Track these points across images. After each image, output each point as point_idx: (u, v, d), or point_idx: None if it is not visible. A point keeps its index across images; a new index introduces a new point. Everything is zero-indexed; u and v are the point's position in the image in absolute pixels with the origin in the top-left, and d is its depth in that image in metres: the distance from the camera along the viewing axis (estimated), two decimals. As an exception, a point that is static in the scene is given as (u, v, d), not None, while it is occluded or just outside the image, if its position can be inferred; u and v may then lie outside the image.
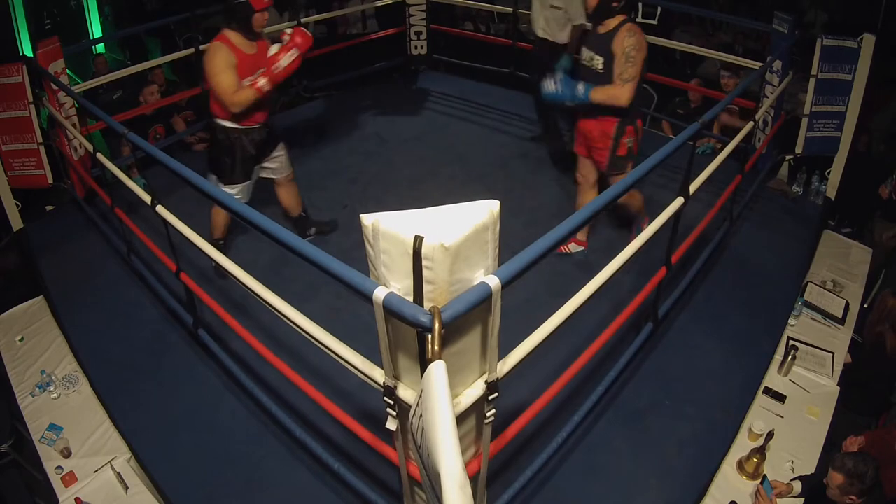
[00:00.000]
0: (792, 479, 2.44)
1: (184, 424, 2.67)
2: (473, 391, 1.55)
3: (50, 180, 3.89)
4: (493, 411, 1.61)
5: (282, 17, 5.92)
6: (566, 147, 4.50)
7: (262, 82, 2.93)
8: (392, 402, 1.57)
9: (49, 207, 4.20)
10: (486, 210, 1.40)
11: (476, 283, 1.38)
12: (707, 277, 3.38)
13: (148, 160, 2.68)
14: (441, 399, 1.09)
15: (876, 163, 4.66)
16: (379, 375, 1.58)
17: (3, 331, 3.25)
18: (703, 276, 3.30)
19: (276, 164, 3.36)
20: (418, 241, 1.28)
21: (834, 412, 2.78)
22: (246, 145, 3.12)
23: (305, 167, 3.55)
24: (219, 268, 2.86)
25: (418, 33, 5.72)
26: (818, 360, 2.99)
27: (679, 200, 2.54)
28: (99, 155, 3.22)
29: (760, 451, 2.46)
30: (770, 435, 2.53)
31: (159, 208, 2.56)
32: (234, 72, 2.91)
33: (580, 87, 2.95)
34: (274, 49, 3.00)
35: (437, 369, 1.13)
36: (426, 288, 1.34)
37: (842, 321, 3.25)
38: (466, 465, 1.49)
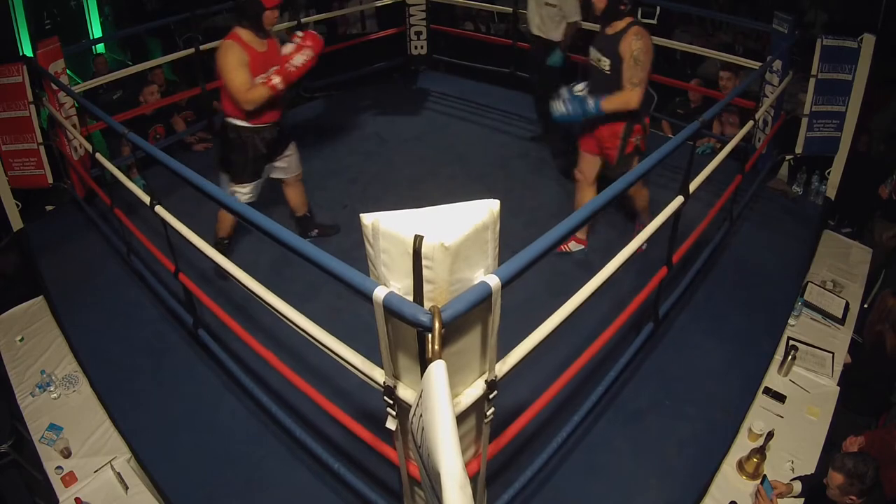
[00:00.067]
0: (792, 479, 2.44)
1: (184, 424, 2.67)
2: (473, 391, 1.55)
3: (50, 180, 3.89)
4: (493, 411, 1.61)
5: (281, 17, 5.91)
6: (569, 143, 4.52)
7: (277, 80, 2.94)
8: (392, 402, 1.57)
9: (49, 207, 4.19)
10: (486, 210, 1.41)
11: (476, 282, 1.39)
12: (707, 277, 3.38)
13: (148, 160, 2.68)
14: (441, 399, 1.09)
15: (876, 163, 4.66)
16: (379, 375, 1.58)
17: (3, 331, 3.25)
18: (703, 276, 3.30)
19: (287, 164, 3.36)
20: (418, 240, 1.28)
21: (834, 412, 2.78)
22: (258, 144, 3.12)
23: (305, 167, 3.55)
24: (219, 268, 2.88)
25: (418, 33, 5.73)
26: (818, 360, 2.99)
27: (679, 199, 2.54)
28: (98, 155, 3.22)
29: (760, 451, 2.46)
30: (770, 435, 2.53)
31: (158, 209, 2.56)
32: (247, 69, 2.92)
33: (590, 102, 2.98)
34: (288, 49, 3.02)
35: (438, 369, 1.13)
36: (426, 287, 1.34)
37: (842, 321, 3.25)
38: (466, 464, 1.49)
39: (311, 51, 3.01)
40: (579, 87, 3.22)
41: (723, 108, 3.18)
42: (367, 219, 1.40)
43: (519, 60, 5.05)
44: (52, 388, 2.86)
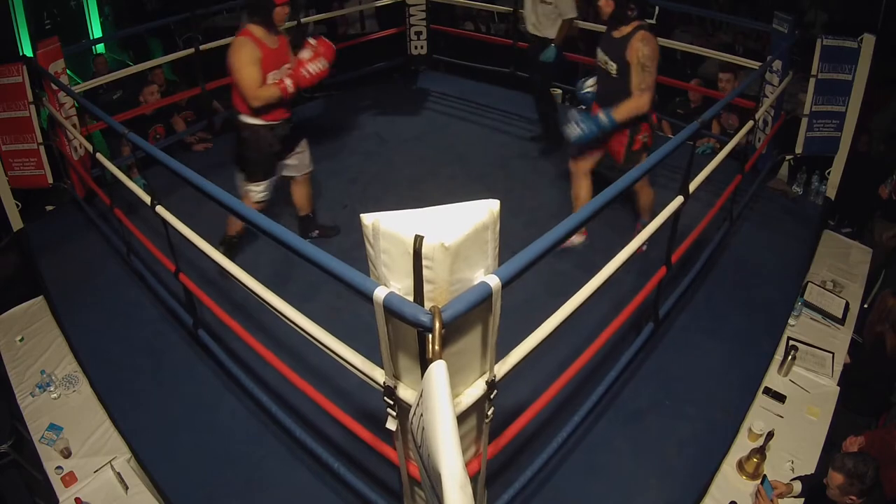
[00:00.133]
0: (792, 479, 2.44)
1: (184, 424, 2.67)
2: (474, 391, 1.55)
3: (50, 180, 3.89)
4: (493, 411, 1.61)
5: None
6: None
7: (289, 83, 2.97)
8: (392, 402, 1.57)
9: (49, 207, 4.19)
10: (486, 210, 1.41)
11: (476, 282, 1.39)
12: (707, 277, 3.38)
13: (148, 160, 2.68)
14: (441, 399, 1.09)
15: (876, 163, 4.66)
16: (379, 375, 1.58)
17: (3, 331, 3.25)
18: (703, 276, 3.30)
19: (298, 161, 3.37)
20: (418, 240, 1.28)
21: (834, 412, 2.78)
22: (271, 140, 3.13)
23: (306, 167, 3.56)
24: (220, 267, 2.89)
25: (418, 33, 5.73)
26: (818, 360, 2.99)
27: (679, 199, 2.54)
28: (98, 155, 3.22)
29: (760, 451, 2.46)
30: (770, 435, 2.53)
31: (159, 209, 2.56)
32: (259, 66, 2.94)
33: (602, 117, 3.01)
34: (305, 54, 3.04)
35: (438, 369, 1.13)
36: (426, 287, 1.34)
37: (842, 321, 3.25)
38: (467, 464, 1.49)
39: (325, 61, 3.06)
40: (590, 83, 3.30)
41: (722, 108, 3.19)
42: (368, 219, 1.40)
43: (519, 60, 5.06)
44: (52, 388, 2.86)
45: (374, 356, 1.60)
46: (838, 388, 2.89)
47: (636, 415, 2.67)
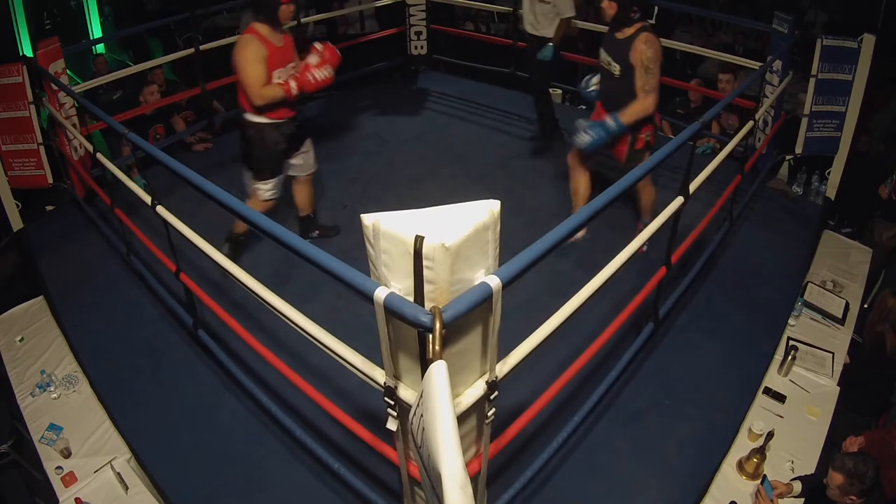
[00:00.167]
0: (792, 479, 2.44)
1: (184, 424, 2.67)
2: (474, 391, 1.55)
3: (50, 180, 3.89)
4: (494, 411, 1.61)
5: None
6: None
7: (293, 85, 2.98)
8: (392, 403, 1.57)
9: (49, 207, 4.20)
10: (486, 210, 1.41)
11: (477, 283, 1.39)
12: (707, 277, 3.38)
13: (148, 160, 2.68)
14: (442, 399, 1.09)
15: (876, 163, 4.66)
16: (379, 375, 1.58)
17: (3, 331, 3.25)
18: (703, 276, 3.30)
19: (302, 160, 3.37)
20: (419, 240, 1.28)
21: (834, 412, 2.78)
22: (277, 139, 3.13)
23: (306, 167, 3.56)
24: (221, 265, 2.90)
25: (418, 33, 5.73)
26: (818, 360, 2.99)
27: (679, 200, 2.55)
28: (99, 155, 3.22)
29: (760, 451, 2.46)
30: (770, 435, 2.53)
31: (159, 209, 2.56)
32: (264, 65, 2.94)
33: (609, 121, 3.02)
34: (313, 60, 3.05)
35: (438, 369, 1.13)
36: (427, 288, 1.34)
37: (842, 321, 3.25)
38: (467, 464, 1.49)
39: (331, 68, 3.08)
40: (595, 81, 3.32)
41: (723, 108, 3.19)
42: (368, 219, 1.40)
43: (519, 60, 5.06)
44: (52, 388, 2.86)
45: (374, 356, 1.60)
46: (838, 388, 2.89)
47: (636, 415, 2.67)
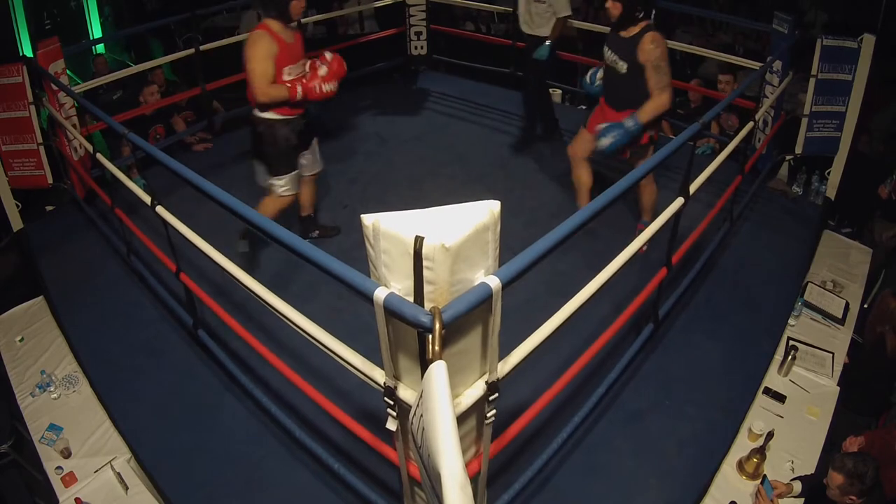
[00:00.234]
0: (792, 479, 2.44)
1: (184, 424, 2.67)
2: (474, 391, 1.55)
3: (50, 181, 3.89)
4: (494, 411, 1.61)
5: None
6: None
7: (300, 90, 2.99)
8: (392, 403, 1.57)
9: (49, 208, 4.20)
10: (486, 210, 1.40)
11: (477, 283, 1.38)
12: (707, 277, 3.38)
13: (148, 160, 2.68)
14: (441, 399, 1.09)
15: (876, 163, 4.66)
16: (379, 376, 1.58)
17: (3, 331, 3.25)
18: (703, 276, 3.30)
19: (309, 160, 3.38)
20: (419, 241, 1.27)
21: (834, 412, 2.78)
22: (288, 135, 3.14)
23: (306, 167, 3.56)
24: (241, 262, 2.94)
25: (418, 33, 5.73)
26: (818, 360, 2.99)
27: (679, 201, 2.55)
28: (99, 155, 3.22)
29: (760, 451, 2.46)
30: (770, 435, 2.53)
31: (159, 209, 2.56)
32: (273, 62, 2.94)
33: (629, 122, 3.03)
34: (322, 71, 3.06)
35: (438, 369, 1.13)
36: (427, 288, 1.34)
37: (842, 321, 3.25)
38: (467, 465, 1.49)
39: (336, 83, 3.11)
40: (600, 76, 3.36)
41: (723, 108, 3.19)
42: (368, 219, 1.40)
43: (519, 60, 5.07)
44: (52, 389, 2.86)
45: (374, 357, 1.60)
46: (838, 388, 2.89)
47: (636, 415, 2.67)
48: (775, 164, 4.34)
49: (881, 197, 4.28)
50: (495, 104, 5.36)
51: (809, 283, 3.42)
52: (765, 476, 2.40)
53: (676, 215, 2.55)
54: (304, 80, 3.03)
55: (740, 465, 2.50)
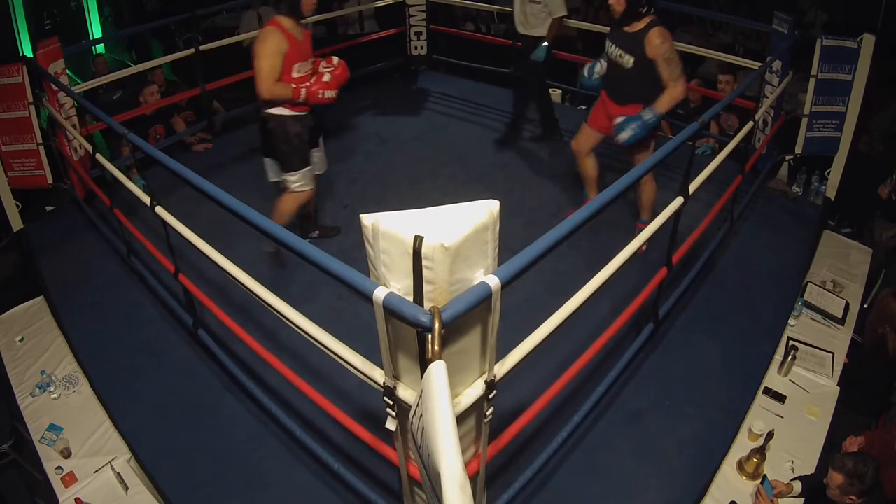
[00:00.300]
0: (792, 479, 2.44)
1: (184, 424, 2.67)
2: (473, 391, 1.55)
3: (50, 181, 3.89)
4: (493, 410, 1.61)
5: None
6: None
7: (303, 93, 3.01)
8: (392, 403, 1.57)
9: (49, 208, 4.20)
10: (485, 210, 1.41)
11: (476, 282, 1.39)
12: (707, 277, 3.38)
13: (148, 161, 2.68)
14: (441, 399, 1.09)
15: (876, 163, 4.66)
16: (379, 375, 1.58)
17: (3, 331, 3.25)
18: (703, 276, 3.30)
19: (318, 158, 3.38)
20: (418, 241, 1.28)
21: (834, 412, 2.78)
22: (300, 131, 3.14)
23: (306, 167, 3.56)
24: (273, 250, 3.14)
25: (418, 34, 5.73)
26: (818, 360, 2.99)
27: (679, 200, 2.55)
28: (98, 155, 3.22)
29: (760, 451, 2.46)
30: (770, 435, 2.53)
31: (158, 209, 2.56)
32: (282, 59, 2.94)
33: (647, 114, 3.07)
34: (327, 76, 3.07)
35: (438, 369, 1.13)
36: (426, 288, 1.34)
37: (842, 321, 3.24)
38: (466, 464, 1.49)
39: (337, 90, 3.12)
40: (598, 70, 3.40)
41: (722, 108, 3.20)
42: (367, 219, 1.40)
43: (515, 60, 5.07)
44: (52, 389, 2.86)
45: (374, 356, 1.60)
46: (838, 388, 2.89)
47: (636, 415, 2.67)
48: (775, 164, 4.34)
49: (881, 197, 4.28)
50: (495, 104, 5.36)
51: (809, 283, 3.42)
52: (765, 476, 2.40)
53: (676, 214, 2.55)
54: (308, 84, 3.03)
55: (740, 465, 2.50)
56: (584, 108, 5.53)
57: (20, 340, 3.17)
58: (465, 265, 1.38)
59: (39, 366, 3.00)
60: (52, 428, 2.68)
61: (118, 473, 2.49)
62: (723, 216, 3.49)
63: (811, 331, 3.17)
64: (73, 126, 3.79)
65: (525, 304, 2.63)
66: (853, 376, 3.00)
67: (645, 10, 3.04)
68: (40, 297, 3.42)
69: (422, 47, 5.79)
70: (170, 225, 2.50)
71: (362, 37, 5.97)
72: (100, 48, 6.52)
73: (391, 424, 1.60)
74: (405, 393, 1.55)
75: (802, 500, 2.42)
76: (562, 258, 3.46)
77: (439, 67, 6.11)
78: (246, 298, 2.55)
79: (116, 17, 7.26)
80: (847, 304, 3.33)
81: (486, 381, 1.55)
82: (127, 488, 2.44)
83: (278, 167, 3.24)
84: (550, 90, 4.91)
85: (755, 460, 2.45)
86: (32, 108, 3.71)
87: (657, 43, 3.00)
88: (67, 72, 4.02)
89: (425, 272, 1.32)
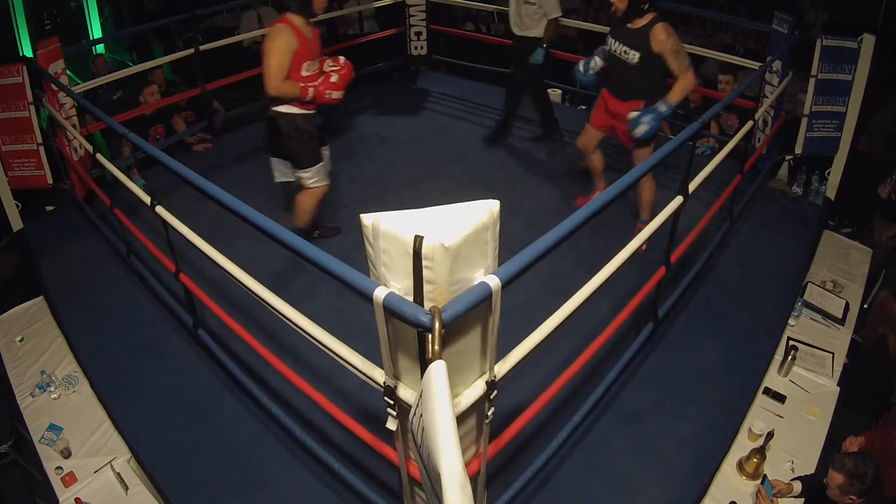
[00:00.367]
0: (792, 479, 2.44)
1: (184, 424, 2.67)
2: (473, 391, 1.55)
3: (50, 181, 3.89)
4: (493, 411, 1.61)
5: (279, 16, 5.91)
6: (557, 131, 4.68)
7: (311, 92, 3.00)
8: (392, 402, 1.57)
9: (49, 208, 4.20)
10: (485, 210, 1.41)
11: (476, 282, 1.39)
12: (707, 277, 3.38)
13: (148, 160, 2.68)
14: (441, 399, 1.09)
15: (876, 163, 4.66)
16: (379, 375, 1.58)
17: (3, 331, 3.25)
18: (703, 276, 3.30)
19: (326, 157, 3.37)
20: (418, 240, 1.28)
21: (834, 412, 2.78)
22: (309, 128, 3.14)
23: (306, 167, 3.55)
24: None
25: (418, 34, 5.73)
26: (818, 360, 2.99)
27: (678, 199, 2.55)
28: (98, 155, 3.22)
29: (760, 451, 2.46)
30: (770, 435, 2.53)
31: (159, 209, 2.56)
32: (291, 58, 2.94)
33: (661, 106, 3.12)
34: (334, 77, 3.07)
35: (438, 369, 1.13)
36: (426, 288, 1.34)
37: (842, 321, 3.24)
38: (466, 464, 1.49)
39: (344, 91, 3.12)
40: (593, 66, 3.47)
41: (722, 108, 3.20)
42: (368, 219, 1.40)
43: (511, 60, 5.07)
44: (52, 389, 2.86)
45: (374, 356, 1.60)
46: (838, 388, 2.89)
47: (636, 415, 2.67)
48: (775, 164, 4.34)
49: (881, 197, 4.28)
50: (495, 104, 5.35)
51: (809, 283, 3.42)
52: (765, 476, 2.40)
53: (675, 214, 2.55)
54: (316, 83, 3.03)
55: (740, 465, 2.50)
56: (584, 108, 5.53)
57: (20, 340, 3.17)
58: (466, 265, 1.38)
59: (39, 366, 3.00)
60: (52, 428, 2.68)
61: (118, 473, 2.49)
62: (722, 216, 3.49)
63: (811, 331, 3.17)
64: (73, 126, 3.78)
65: (525, 304, 2.63)
66: (853, 376, 3.00)
67: (647, 6, 3.07)
68: (40, 297, 3.42)
69: (422, 47, 5.79)
70: (170, 225, 2.50)
71: (362, 37, 5.96)
72: (100, 48, 6.52)
73: (391, 424, 1.60)
74: (405, 393, 1.55)
75: (802, 500, 2.42)
76: (561, 258, 3.46)
77: (439, 67, 6.11)
78: (246, 298, 2.56)
79: (116, 17, 7.26)
80: (847, 304, 3.33)
81: (486, 381, 1.55)
82: (127, 488, 2.44)
83: (288, 166, 3.24)
84: (550, 90, 4.91)
85: (755, 460, 2.45)
86: (32, 108, 3.71)
87: (662, 38, 3.04)
88: (67, 72, 4.02)
89: (425, 272, 1.32)
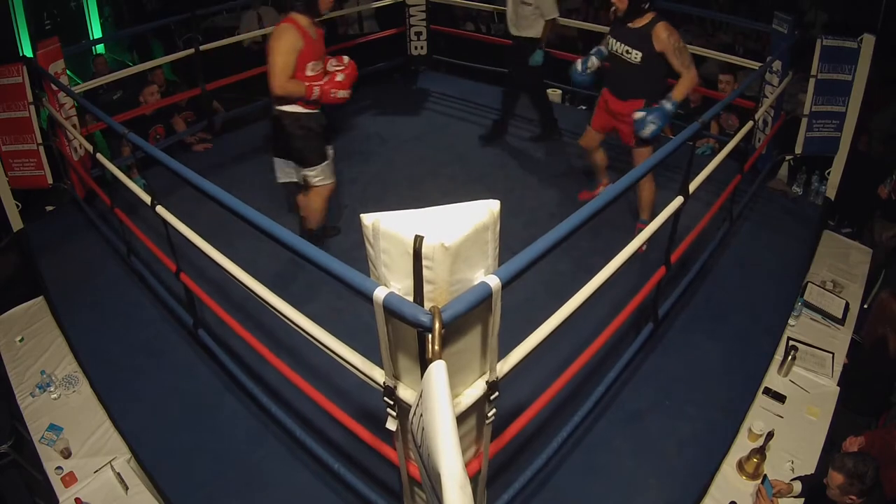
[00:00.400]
0: (792, 479, 2.44)
1: (184, 424, 2.67)
2: (474, 391, 1.55)
3: (50, 181, 3.89)
4: (494, 411, 1.61)
5: (280, 16, 5.92)
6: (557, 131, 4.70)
7: (316, 91, 3.01)
8: (392, 402, 1.57)
9: (49, 208, 4.20)
10: (486, 210, 1.41)
11: (476, 282, 1.39)
12: (707, 277, 3.38)
13: (148, 160, 2.68)
14: (441, 399, 1.09)
15: (876, 163, 4.66)
16: (379, 375, 1.58)
17: (3, 331, 3.25)
18: (703, 276, 3.31)
19: (331, 156, 3.37)
20: (418, 240, 1.28)
21: (834, 412, 2.78)
22: (315, 127, 3.14)
23: (306, 167, 3.55)
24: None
25: (418, 34, 5.73)
26: (818, 360, 2.99)
27: (678, 200, 2.55)
28: (99, 155, 3.22)
29: (760, 451, 2.46)
30: (770, 435, 2.53)
31: (159, 209, 2.56)
32: (296, 57, 2.94)
33: (667, 104, 3.13)
34: (339, 77, 3.08)
35: (438, 369, 1.13)
36: (426, 288, 1.34)
37: (842, 321, 3.24)
38: (467, 464, 1.49)
39: (349, 90, 3.13)
40: (590, 65, 3.48)
41: (722, 108, 3.21)
42: (368, 219, 1.40)
43: (507, 60, 5.07)
44: (52, 389, 2.86)
45: (373, 356, 1.60)
46: (838, 388, 2.89)
47: (636, 415, 2.67)
48: (775, 164, 4.34)
49: (881, 197, 4.28)
50: (495, 104, 5.34)
51: (809, 283, 3.42)
52: (765, 476, 2.40)
53: (675, 214, 2.56)
54: (321, 83, 3.03)
55: (740, 465, 2.50)
56: (584, 108, 5.53)
57: (20, 340, 3.17)
58: (466, 265, 1.38)
59: (39, 366, 3.00)
60: (52, 428, 2.68)
61: (118, 473, 2.49)
62: (722, 216, 3.49)
63: (811, 331, 3.17)
64: (73, 126, 3.79)
65: (525, 304, 2.62)
66: (853, 376, 3.00)
67: (647, 5, 3.09)
68: (40, 297, 3.42)
69: (422, 47, 5.79)
70: (170, 224, 2.50)
71: (362, 37, 5.96)
72: (100, 48, 6.52)
73: (391, 424, 1.60)
74: (405, 393, 1.55)
75: (802, 500, 2.42)
76: (562, 258, 3.46)
77: (439, 67, 6.11)
78: (246, 298, 2.56)
79: (116, 17, 7.26)
80: (847, 304, 3.33)
81: (486, 382, 1.55)
82: (127, 488, 2.44)
83: (292, 166, 3.24)
84: (550, 90, 4.91)
85: (755, 460, 2.46)
86: (32, 108, 3.71)
87: (664, 36, 3.05)
88: (67, 72, 4.02)
89: (425, 272, 1.32)
